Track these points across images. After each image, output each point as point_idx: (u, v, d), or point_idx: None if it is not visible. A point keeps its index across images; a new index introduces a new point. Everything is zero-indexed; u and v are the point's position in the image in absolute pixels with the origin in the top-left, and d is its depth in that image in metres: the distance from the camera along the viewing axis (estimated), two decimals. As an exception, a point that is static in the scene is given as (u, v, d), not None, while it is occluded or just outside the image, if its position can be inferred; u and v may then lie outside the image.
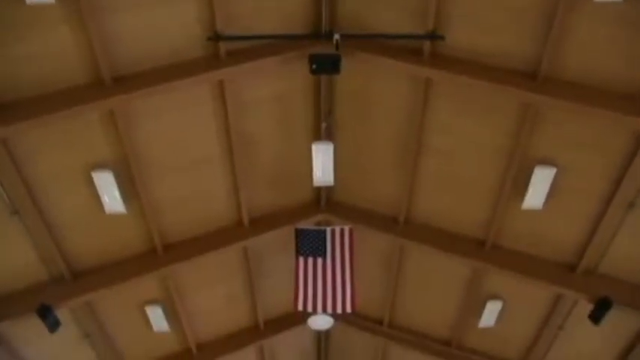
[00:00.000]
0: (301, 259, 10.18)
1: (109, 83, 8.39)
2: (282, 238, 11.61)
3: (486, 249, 11.16)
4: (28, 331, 10.96)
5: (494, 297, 12.15)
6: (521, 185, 9.74)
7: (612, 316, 10.41)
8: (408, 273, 12.66)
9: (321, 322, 12.47)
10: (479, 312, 12.49)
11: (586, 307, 10.78)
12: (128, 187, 9.74)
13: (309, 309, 10.07)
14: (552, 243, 10.82)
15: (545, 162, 9.34)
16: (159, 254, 11.20)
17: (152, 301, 12.16)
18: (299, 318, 13.34)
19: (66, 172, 9.37)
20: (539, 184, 9.50)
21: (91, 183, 9.42)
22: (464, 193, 10.69)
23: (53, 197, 9.60)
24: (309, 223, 11.38)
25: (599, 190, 9.58)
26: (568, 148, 9.26)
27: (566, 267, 10.94)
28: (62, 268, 10.60)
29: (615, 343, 12.06)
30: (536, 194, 9.67)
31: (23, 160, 8.86)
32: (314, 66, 8.52)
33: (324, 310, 10.16)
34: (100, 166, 9.31)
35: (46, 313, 10.09)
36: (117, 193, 9.55)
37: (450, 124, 9.75)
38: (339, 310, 10.04)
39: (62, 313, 10.71)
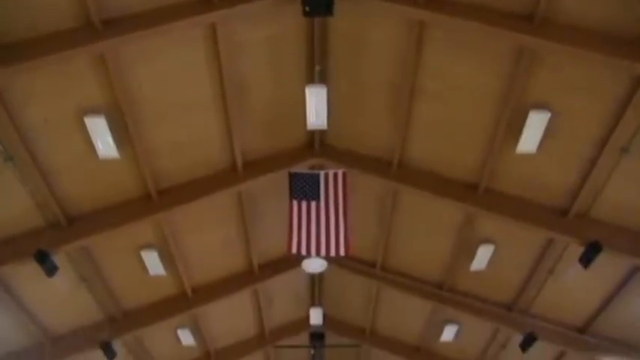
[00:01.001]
0: (295, 203, 10.17)
1: (99, 26, 8.20)
2: (276, 182, 11.62)
3: (479, 193, 11.21)
4: (27, 275, 11.16)
5: (487, 241, 12.29)
6: (516, 129, 9.69)
7: (601, 260, 10.56)
8: (401, 217, 12.76)
9: (314, 265, 12.61)
10: (471, 255, 12.67)
11: (576, 251, 10.93)
12: (121, 133, 9.67)
13: (303, 252, 10.13)
14: (545, 187, 10.87)
15: (540, 106, 9.26)
16: (153, 199, 11.23)
17: (147, 246, 12.28)
18: (293, 261, 13.52)
19: (58, 117, 9.28)
20: (534, 128, 9.45)
21: (84, 129, 9.35)
22: (458, 137, 10.66)
23: (46, 143, 9.55)
24: (302, 167, 11.35)
25: (593, 134, 9.56)
26: (563, 93, 9.18)
27: (558, 211, 11.03)
28: (58, 214, 10.66)
29: (603, 286, 12.32)
30: (530, 138, 9.64)
31: (15, 105, 8.77)
32: (307, 8, 8.30)
33: (318, 253, 10.21)
34: (93, 111, 9.20)
35: (43, 258, 10.22)
36: (110, 139, 9.49)
37: (444, 68, 9.61)
38: (332, 253, 10.11)
39: (59, 258, 10.85)
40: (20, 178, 9.75)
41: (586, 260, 10.57)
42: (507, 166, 10.69)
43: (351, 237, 10.13)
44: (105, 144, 9.56)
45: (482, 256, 12.51)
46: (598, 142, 9.59)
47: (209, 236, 13.01)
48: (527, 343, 13.41)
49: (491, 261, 12.63)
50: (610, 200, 10.52)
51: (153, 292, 13.91)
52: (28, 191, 10.08)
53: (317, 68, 9.66)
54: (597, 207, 10.73)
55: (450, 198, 11.49)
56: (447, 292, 14.15)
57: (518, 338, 13.90)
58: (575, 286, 12.49)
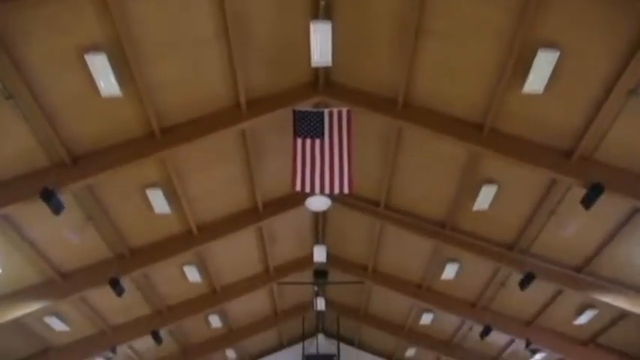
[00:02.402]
0: (299, 141, 10.11)
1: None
2: (280, 120, 11.52)
3: (484, 133, 11.14)
4: (35, 214, 11.29)
5: (490, 181, 12.31)
6: (523, 69, 9.52)
7: (602, 202, 10.61)
8: (405, 155, 12.75)
9: (318, 203, 12.66)
10: (474, 195, 12.72)
11: (579, 192, 10.96)
12: (123, 70, 9.54)
13: (307, 190, 10.13)
14: (551, 128, 10.80)
15: (549, 45, 9.06)
16: (157, 137, 11.20)
17: (152, 184, 12.34)
18: (297, 199, 13.61)
19: (59, 55, 9.14)
20: (542, 67, 9.26)
21: (85, 66, 9.21)
22: (463, 76, 10.51)
23: (47, 81, 9.46)
24: (307, 105, 11.26)
25: (601, 75, 9.41)
26: (573, 32, 8.96)
27: (562, 153, 11.00)
28: (62, 153, 10.70)
29: (602, 227, 12.42)
30: (537, 78, 9.47)
31: (14, 43, 8.63)
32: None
33: (322, 191, 10.22)
34: (94, 48, 9.04)
35: (49, 197, 10.31)
36: (112, 76, 9.36)
37: (451, 4, 9.37)
38: (336, 191, 10.12)
39: (65, 197, 10.94)
40: (22, 117, 9.71)
41: (587, 202, 10.61)
42: (513, 106, 10.58)
43: (354, 175, 10.11)
44: (107, 82, 9.44)
45: (485, 196, 12.56)
46: (606, 83, 9.45)
47: (213, 174, 13.07)
48: (526, 282, 13.65)
49: (494, 201, 12.68)
50: (615, 143, 10.47)
51: (159, 230, 14.10)
52: (31, 131, 10.07)
53: (322, 3, 9.40)
54: (602, 149, 10.69)
55: (454, 137, 11.43)
56: (449, 231, 14.28)
57: (517, 277, 14.15)
58: (575, 227, 12.59)
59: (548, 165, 11.14)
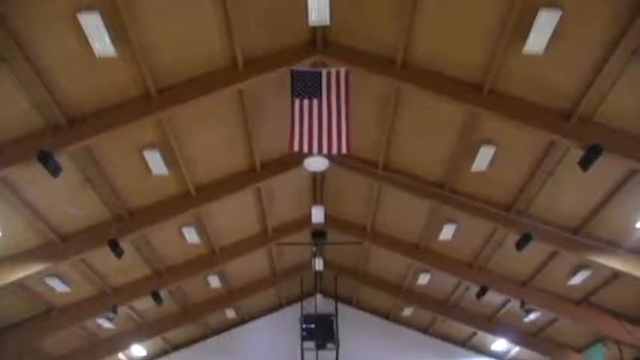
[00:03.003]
0: (297, 101, 10.03)
1: None
2: (277, 80, 11.47)
3: (483, 93, 11.07)
4: (33, 177, 11.30)
5: (488, 142, 12.27)
6: (523, 29, 9.39)
7: (600, 163, 10.61)
8: (404, 116, 12.68)
9: (316, 163, 12.62)
10: (472, 156, 12.70)
11: (577, 154, 10.94)
12: (117, 30, 9.40)
13: (305, 149, 10.08)
14: (550, 89, 10.73)
15: (550, 5, 8.94)
16: (153, 98, 11.12)
17: (150, 146, 12.31)
18: (295, 160, 13.58)
19: (51, 15, 8.99)
20: (543, 28, 9.13)
21: (78, 26, 9.07)
22: (463, 35, 10.38)
23: (40, 43, 9.33)
24: (304, 65, 11.13)
25: (603, 37, 9.30)
26: (575, -10, 8.85)
27: (561, 114, 10.96)
28: (57, 115, 10.64)
29: (599, 189, 12.45)
30: (538, 38, 9.34)
31: (5, 4, 8.49)
32: None
33: (320, 151, 10.18)
34: (87, 7, 8.89)
35: (46, 159, 10.27)
36: (106, 36, 9.20)
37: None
38: (334, 151, 10.07)
39: (62, 159, 10.92)
40: (16, 80, 9.63)
41: (585, 163, 10.61)
42: (513, 66, 10.48)
43: (352, 135, 10.07)
44: (101, 42, 9.29)
45: (484, 157, 12.55)
46: (608, 45, 9.36)
47: (211, 135, 13.02)
48: (522, 243, 13.74)
49: (492, 162, 12.68)
50: (614, 105, 10.42)
51: (157, 192, 14.11)
52: (25, 93, 9.99)
53: (319, -39, 9.24)
54: (601, 111, 10.64)
55: (453, 98, 11.36)
56: (447, 192, 14.30)
57: (514, 238, 14.23)
58: (572, 188, 12.62)
59: (547, 126, 11.11)
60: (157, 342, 22.04)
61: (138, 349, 21.54)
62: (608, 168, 11.44)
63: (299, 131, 9.98)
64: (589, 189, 12.55)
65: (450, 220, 15.41)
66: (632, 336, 16.19)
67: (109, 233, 13.80)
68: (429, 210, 15.44)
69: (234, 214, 16.23)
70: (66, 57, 9.77)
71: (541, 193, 13.18)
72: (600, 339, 18.12)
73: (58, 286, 15.64)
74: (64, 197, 12.73)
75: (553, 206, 13.59)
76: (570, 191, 12.81)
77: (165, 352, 23.18)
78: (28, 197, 12.28)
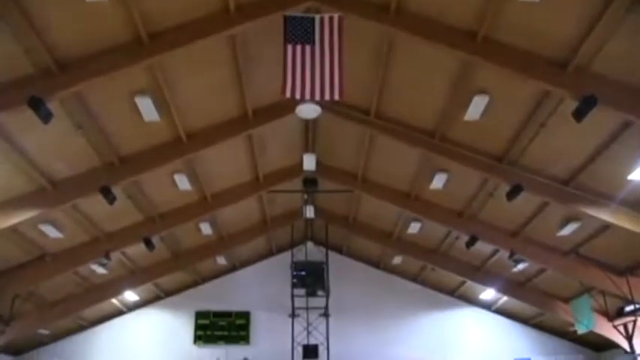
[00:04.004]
0: (289, 47, 9.88)
1: None
2: (270, 25, 11.25)
3: (478, 41, 10.92)
4: (25, 123, 11.17)
5: (482, 91, 12.18)
6: (521, -26, 9.25)
7: (594, 114, 10.57)
8: (397, 64, 12.54)
9: (308, 110, 12.47)
10: (465, 105, 12.62)
11: (571, 105, 10.90)
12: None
13: (297, 96, 9.98)
14: (546, 38, 10.59)
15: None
16: (144, 43, 10.93)
17: (141, 92, 12.13)
18: (287, 107, 13.43)
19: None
20: (540, -26, 9.01)
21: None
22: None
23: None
24: (297, 11, 10.91)
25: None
26: None
27: (557, 64, 10.85)
28: (47, 60, 10.47)
29: (593, 141, 12.46)
30: (535, -15, 9.23)
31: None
32: None
33: (312, 97, 10.06)
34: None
35: (37, 105, 10.17)
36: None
37: None
38: (327, 97, 9.98)
39: (53, 106, 10.80)
40: (5, 23, 9.42)
41: (579, 114, 10.58)
42: (508, 14, 10.32)
43: (345, 82, 9.97)
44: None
45: (476, 106, 12.47)
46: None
47: (202, 81, 12.87)
48: (513, 193, 13.86)
49: (485, 112, 12.61)
50: (611, 56, 10.29)
51: (148, 139, 14.01)
52: (14, 38, 9.79)
53: None
54: (597, 62, 10.53)
55: (447, 45, 11.22)
56: (439, 141, 14.28)
57: (505, 188, 14.33)
58: (565, 140, 12.63)
59: (542, 76, 11.02)
60: (149, 288, 22.35)
61: (130, 295, 21.85)
62: (602, 120, 11.40)
63: (291, 77, 9.86)
64: (582, 141, 12.55)
65: (441, 170, 15.44)
66: (617, 287, 16.53)
67: (101, 180, 13.78)
68: (420, 159, 15.45)
69: (225, 162, 16.21)
70: (56, 1, 9.54)
71: (533, 144, 13.18)
72: (587, 290, 18.48)
73: (51, 232, 15.71)
74: (55, 144, 12.63)
75: (545, 157, 13.62)
76: (563, 143, 12.82)
77: (157, 298, 23.54)
78: (19, 143, 12.18)
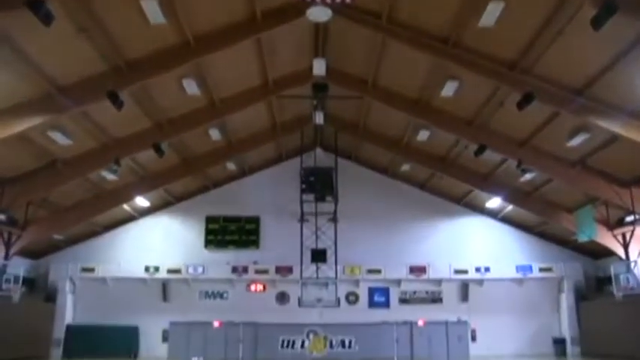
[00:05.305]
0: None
1: None
2: None
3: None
4: (27, 26, 10.89)
5: (498, -3, 11.77)
6: None
7: (612, 23, 10.20)
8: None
9: (319, 13, 12.15)
10: (480, 11, 12.18)
11: (589, 12, 10.50)
12: None
13: None
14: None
15: None
16: (148, -60, 10.51)
17: (146, -7, 11.78)
18: (298, 9, 13.07)
19: None
20: None
21: None
22: None
23: None
24: None
25: None
26: None
27: (578, -33, 10.42)
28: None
29: (609, 50, 12.13)
30: None
31: None
32: None
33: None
34: None
35: (36, 6, 9.89)
36: None
37: None
38: None
39: (55, 7, 10.50)
40: None
41: (598, 22, 10.22)
42: None
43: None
44: None
45: (492, 11, 12.04)
46: None
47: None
48: (524, 102, 13.70)
49: (501, 18, 12.19)
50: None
51: (155, 42, 13.74)
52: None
53: None
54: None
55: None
56: (451, 48, 13.95)
57: (516, 97, 14.14)
58: (581, 48, 12.30)
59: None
60: (159, 194, 22.74)
61: (141, 201, 22.24)
62: (620, 29, 11.01)
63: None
64: (598, 50, 12.21)
65: (452, 77, 15.17)
66: (620, 198, 16.67)
67: (108, 85, 13.66)
68: (432, 66, 15.17)
69: (234, 66, 15.97)
70: None
71: (548, 52, 12.85)
72: (591, 200, 18.67)
73: (60, 139, 15.82)
74: (60, 48, 12.42)
75: (559, 66, 13.31)
76: (579, 51, 12.48)
77: (167, 204, 23.95)
78: (23, 49, 11.99)
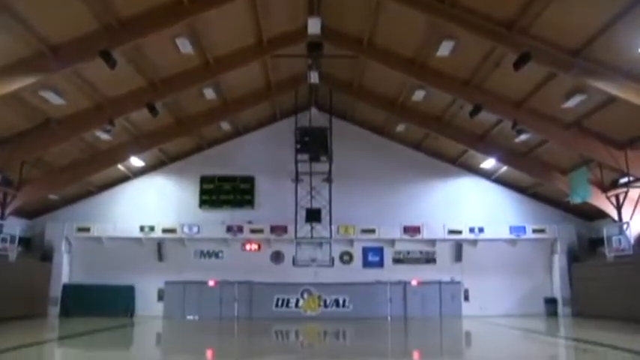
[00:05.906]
0: None
1: None
2: None
3: None
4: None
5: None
6: None
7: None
8: None
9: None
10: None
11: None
12: None
13: None
14: None
15: None
16: None
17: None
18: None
19: None
20: None
21: None
22: None
23: None
24: None
25: None
26: None
27: None
28: None
29: (609, 10, 11.97)
30: None
31: None
32: None
33: None
34: None
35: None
36: None
37: None
38: None
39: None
40: None
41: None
42: None
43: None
44: None
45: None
46: None
47: None
48: (521, 63, 13.60)
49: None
50: None
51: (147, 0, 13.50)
52: None
53: None
54: None
55: None
56: (448, 7, 13.77)
57: (512, 57, 14.02)
58: (580, 7, 12.14)
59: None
60: (154, 154, 22.67)
61: (136, 161, 22.18)
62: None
63: None
64: (595, 10, 12.09)
65: (449, 37, 14.99)
66: (615, 160, 16.72)
67: (101, 44, 13.47)
68: (428, 25, 14.99)
69: (228, 24, 15.74)
70: None
71: (546, 12, 12.70)
72: (585, 162, 18.71)
73: (53, 98, 15.70)
74: (50, 7, 12.18)
75: (556, 26, 13.17)
76: (576, 11, 12.34)
77: (162, 164, 23.90)
78: (13, 7, 11.79)
